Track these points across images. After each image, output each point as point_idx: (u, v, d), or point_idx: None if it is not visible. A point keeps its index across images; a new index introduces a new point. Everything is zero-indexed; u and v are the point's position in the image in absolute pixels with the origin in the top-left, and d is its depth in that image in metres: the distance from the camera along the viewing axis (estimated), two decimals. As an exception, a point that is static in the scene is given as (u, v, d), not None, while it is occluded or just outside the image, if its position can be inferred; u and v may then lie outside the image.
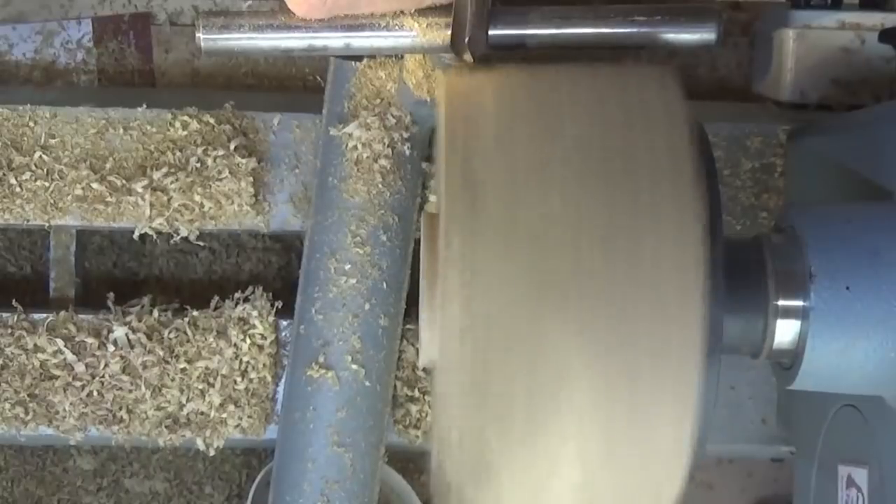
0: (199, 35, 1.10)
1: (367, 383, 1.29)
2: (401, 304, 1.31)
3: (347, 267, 1.28)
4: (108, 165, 1.34)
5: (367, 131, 1.26)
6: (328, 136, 1.28)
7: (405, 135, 1.27)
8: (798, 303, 0.99)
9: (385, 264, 1.28)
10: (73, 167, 1.34)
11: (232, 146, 1.34)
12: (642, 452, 0.91)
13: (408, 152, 1.28)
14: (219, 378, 1.35)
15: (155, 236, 1.36)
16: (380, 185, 1.27)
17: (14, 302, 1.37)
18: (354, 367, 1.28)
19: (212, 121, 1.35)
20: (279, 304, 1.37)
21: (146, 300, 1.39)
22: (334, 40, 1.10)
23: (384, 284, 1.29)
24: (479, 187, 0.91)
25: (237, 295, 1.38)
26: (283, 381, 1.36)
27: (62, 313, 1.36)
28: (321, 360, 1.29)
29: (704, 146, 0.96)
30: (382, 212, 1.27)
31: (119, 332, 1.35)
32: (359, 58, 1.25)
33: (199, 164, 1.34)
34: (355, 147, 1.27)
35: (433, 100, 1.22)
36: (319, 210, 1.29)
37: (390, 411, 1.35)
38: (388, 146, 1.27)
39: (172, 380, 1.35)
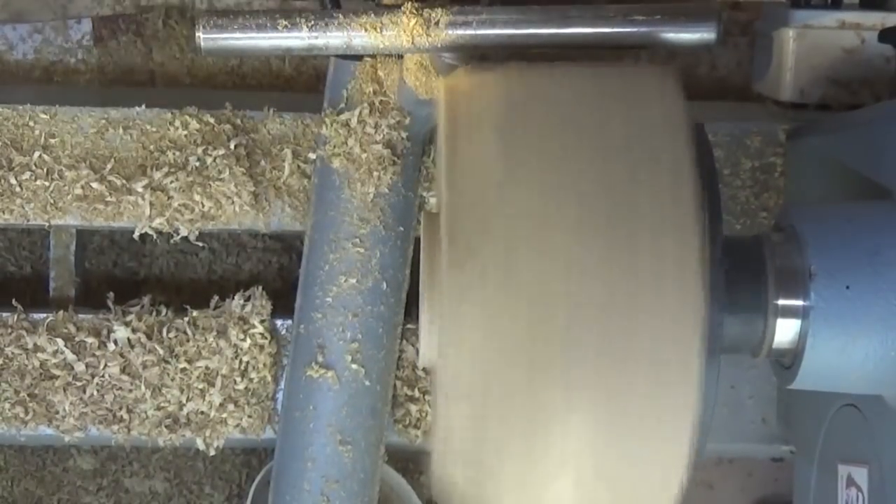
0: (199, 35, 1.10)
1: (367, 383, 1.29)
2: (401, 304, 1.31)
3: (347, 267, 1.28)
4: (107, 165, 1.34)
5: (366, 131, 1.26)
6: (328, 135, 1.28)
7: (405, 134, 1.27)
8: (798, 302, 0.99)
9: (385, 264, 1.28)
10: (73, 167, 1.34)
11: (232, 146, 1.34)
12: (642, 452, 0.91)
13: (408, 152, 1.28)
14: (219, 378, 1.35)
15: (155, 236, 1.36)
16: (380, 185, 1.27)
17: (14, 301, 1.37)
18: (354, 366, 1.28)
19: (212, 120, 1.35)
20: (279, 303, 1.37)
21: (146, 300, 1.38)
22: (334, 40, 1.10)
23: (384, 284, 1.29)
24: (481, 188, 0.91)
25: (237, 295, 1.38)
26: (283, 380, 1.36)
27: (62, 313, 1.36)
28: (321, 359, 1.29)
29: (704, 145, 0.96)
30: (382, 212, 1.27)
31: (119, 331, 1.35)
32: (359, 57, 1.25)
33: (198, 164, 1.34)
34: (355, 147, 1.27)
35: (433, 99, 1.22)
36: (319, 210, 1.29)
37: (390, 411, 1.35)
38: (387, 146, 1.27)
39: (172, 379, 1.35)
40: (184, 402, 1.36)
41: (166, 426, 1.36)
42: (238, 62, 1.54)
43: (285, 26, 1.08)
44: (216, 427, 1.37)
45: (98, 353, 1.35)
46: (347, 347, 1.28)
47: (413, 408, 1.38)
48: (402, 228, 1.29)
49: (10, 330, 1.36)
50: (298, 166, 1.36)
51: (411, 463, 1.53)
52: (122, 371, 1.35)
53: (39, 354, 1.35)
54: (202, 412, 1.36)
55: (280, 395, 1.36)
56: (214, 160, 1.34)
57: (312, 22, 1.08)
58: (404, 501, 1.49)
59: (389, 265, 1.29)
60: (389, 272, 1.29)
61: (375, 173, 1.27)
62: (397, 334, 1.32)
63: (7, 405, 1.35)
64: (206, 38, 1.10)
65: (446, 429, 0.93)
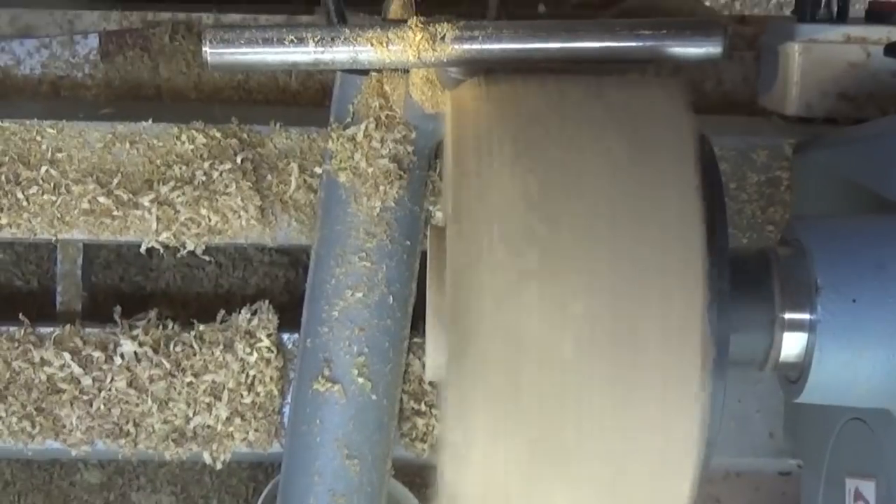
0: (206, 49, 1.10)
1: (374, 396, 1.29)
2: (407, 318, 1.31)
3: (353, 281, 1.28)
4: (114, 179, 1.34)
5: (372, 145, 1.27)
6: (334, 150, 1.28)
7: (411, 149, 1.28)
8: (804, 315, 0.98)
9: (391, 278, 1.28)
10: (80, 181, 1.34)
11: (238, 160, 1.34)
12: (650, 471, 0.91)
13: (414, 166, 1.28)
14: (225, 391, 1.35)
15: (162, 250, 1.36)
16: (386, 199, 1.27)
17: (21, 316, 1.37)
18: (361, 380, 1.28)
19: (218, 135, 1.35)
20: (286, 317, 1.37)
21: (153, 314, 1.39)
22: (340, 55, 1.10)
23: (390, 298, 1.29)
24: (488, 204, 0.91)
25: (244, 309, 1.38)
26: (289, 394, 1.36)
27: (69, 327, 1.36)
28: (327, 373, 1.29)
29: (710, 159, 0.96)
30: (388, 226, 1.28)
31: (126, 345, 1.35)
32: (365, 72, 1.25)
33: (205, 178, 1.34)
34: (361, 161, 1.27)
35: (439, 113, 1.22)
36: (325, 224, 1.29)
37: (397, 425, 1.35)
38: (393, 160, 1.27)
39: (179, 393, 1.35)
40: (190, 415, 1.36)
41: (173, 440, 1.36)
42: (244, 77, 1.54)
43: (292, 41, 1.08)
44: (223, 441, 1.37)
45: (105, 366, 1.35)
46: (354, 361, 1.28)
47: (420, 421, 1.38)
48: (408, 242, 1.29)
49: (17, 344, 1.36)
50: (305, 180, 1.36)
51: (418, 477, 1.53)
52: (129, 385, 1.35)
53: (46, 368, 1.35)
54: (209, 426, 1.36)
55: (287, 409, 1.36)
56: (221, 174, 1.34)
57: (319, 37, 1.08)
58: (411, 515, 1.49)
59: (396, 279, 1.29)
60: (396, 286, 1.29)
61: (381, 187, 1.27)
62: (404, 348, 1.32)
63: (14, 419, 1.35)
64: (213, 52, 1.09)
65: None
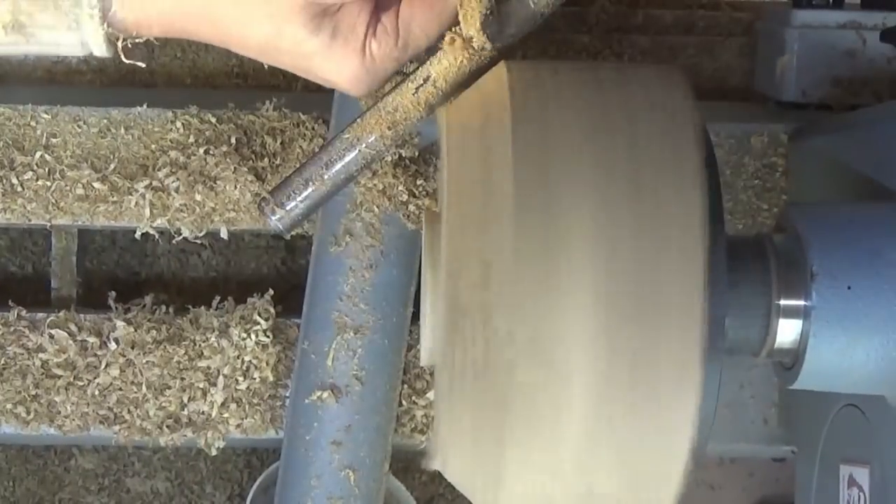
0: (271, 220, 0.98)
1: (372, 401, 1.29)
2: (405, 321, 1.30)
3: (353, 285, 1.27)
4: (109, 165, 1.34)
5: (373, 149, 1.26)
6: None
7: (413, 152, 1.26)
8: (799, 302, 0.99)
9: (391, 283, 1.28)
10: (75, 167, 1.34)
11: (234, 145, 1.34)
12: (641, 453, 0.91)
13: (415, 168, 1.27)
14: (220, 377, 1.35)
15: (157, 236, 1.36)
16: (386, 203, 1.26)
17: (15, 301, 1.37)
18: (358, 385, 1.28)
19: (213, 120, 1.35)
20: (281, 303, 1.37)
21: (148, 299, 1.38)
22: (378, 141, 1.03)
23: (388, 302, 1.28)
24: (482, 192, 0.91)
25: (239, 294, 1.38)
26: (284, 380, 1.36)
27: (64, 312, 1.36)
28: (325, 377, 1.28)
29: (706, 146, 0.96)
30: (388, 229, 1.27)
31: (121, 331, 1.35)
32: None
33: (200, 164, 1.34)
34: (363, 164, 1.26)
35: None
36: (326, 225, 1.28)
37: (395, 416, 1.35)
38: (396, 166, 1.26)
39: (174, 379, 1.35)
40: (185, 401, 1.36)
41: (168, 426, 1.36)
42: (239, 62, 1.54)
43: (332, 153, 1.02)
44: (218, 427, 1.36)
45: (100, 352, 1.35)
46: (351, 365, 1.28)
47: (418, 413, 1.37)
48: (408, 246, 1.28)
49: (11, 329, 1.36)
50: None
51: (412, 463, 1.53)
52: (124, 371, 1.35)
53: (41, 354, 1.35)
54: (204, 412, 1.36)
55: (282, 394, 1.36)
56: (216, 160, 1.34)
57: (347, 136, 1.01)
58: (403, 507, 1.49)
59: (395, 284, 1.28)
60: (395, 291, 1.28)
61: (382, 191, 1.26)
62: (402, 353, 1.31)
63: (9, 405, 1.35)
64: (278, 219, 0.99)
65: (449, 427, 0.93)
